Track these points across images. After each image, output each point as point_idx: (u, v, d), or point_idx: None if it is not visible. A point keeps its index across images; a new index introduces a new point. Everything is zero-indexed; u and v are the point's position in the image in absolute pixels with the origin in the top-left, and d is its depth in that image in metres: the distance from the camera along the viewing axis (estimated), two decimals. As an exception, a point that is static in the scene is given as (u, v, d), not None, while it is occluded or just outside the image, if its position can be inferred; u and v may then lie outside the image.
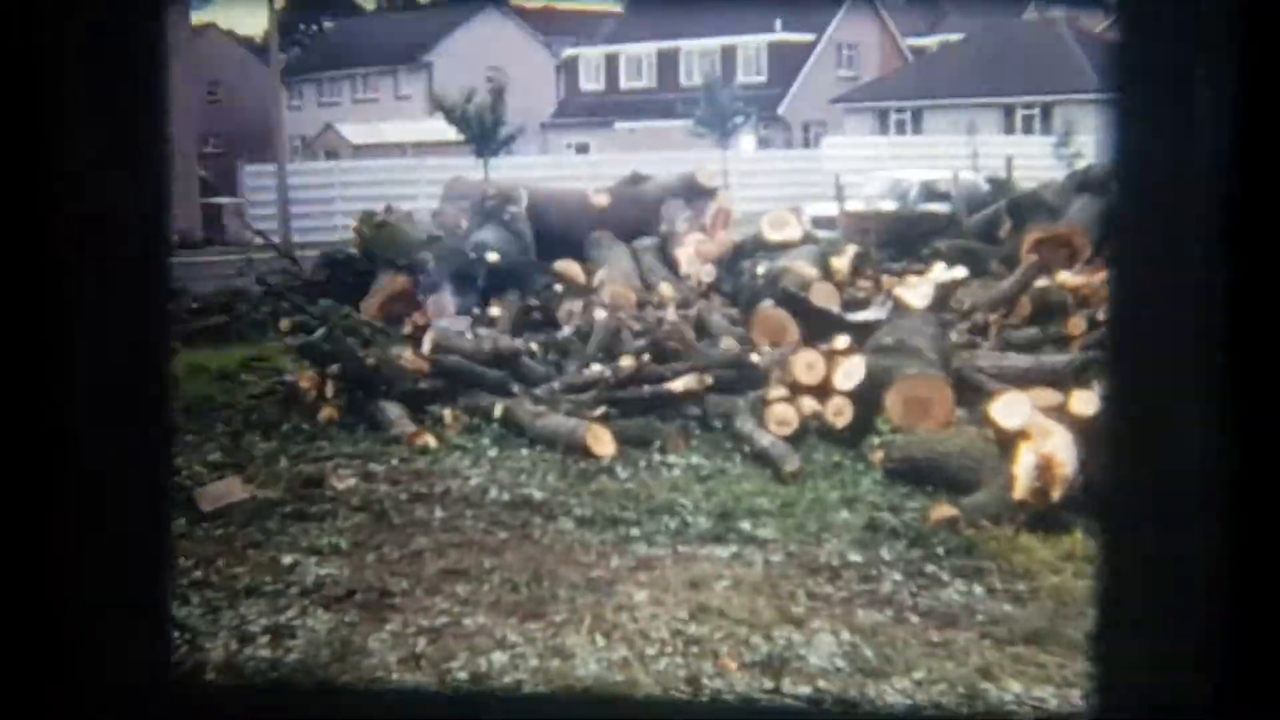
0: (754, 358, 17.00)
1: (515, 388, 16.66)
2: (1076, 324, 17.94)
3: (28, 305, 3.44)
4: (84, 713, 3.58)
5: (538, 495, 13.31)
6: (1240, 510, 3.07)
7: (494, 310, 19.86)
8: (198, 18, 62.61)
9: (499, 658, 9.37)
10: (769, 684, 8.89)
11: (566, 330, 18.79)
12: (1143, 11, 3.15)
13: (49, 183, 3.43)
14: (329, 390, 16.29)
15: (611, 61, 76.46)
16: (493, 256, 21.36)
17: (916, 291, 18.80)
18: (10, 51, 3.41)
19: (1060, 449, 12.14)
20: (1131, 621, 3.24)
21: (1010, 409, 13.06)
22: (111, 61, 3.48)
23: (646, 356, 16.78)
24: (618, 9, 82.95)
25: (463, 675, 9.09)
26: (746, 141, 59.34)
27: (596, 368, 16.94)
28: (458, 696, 6.10)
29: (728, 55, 71.92)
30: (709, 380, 16.12)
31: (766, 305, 18.94)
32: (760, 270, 20.34)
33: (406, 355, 17.12)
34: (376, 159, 53.89)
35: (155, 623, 3.75)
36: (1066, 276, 19.74)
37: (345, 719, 4.06)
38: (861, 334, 16.95)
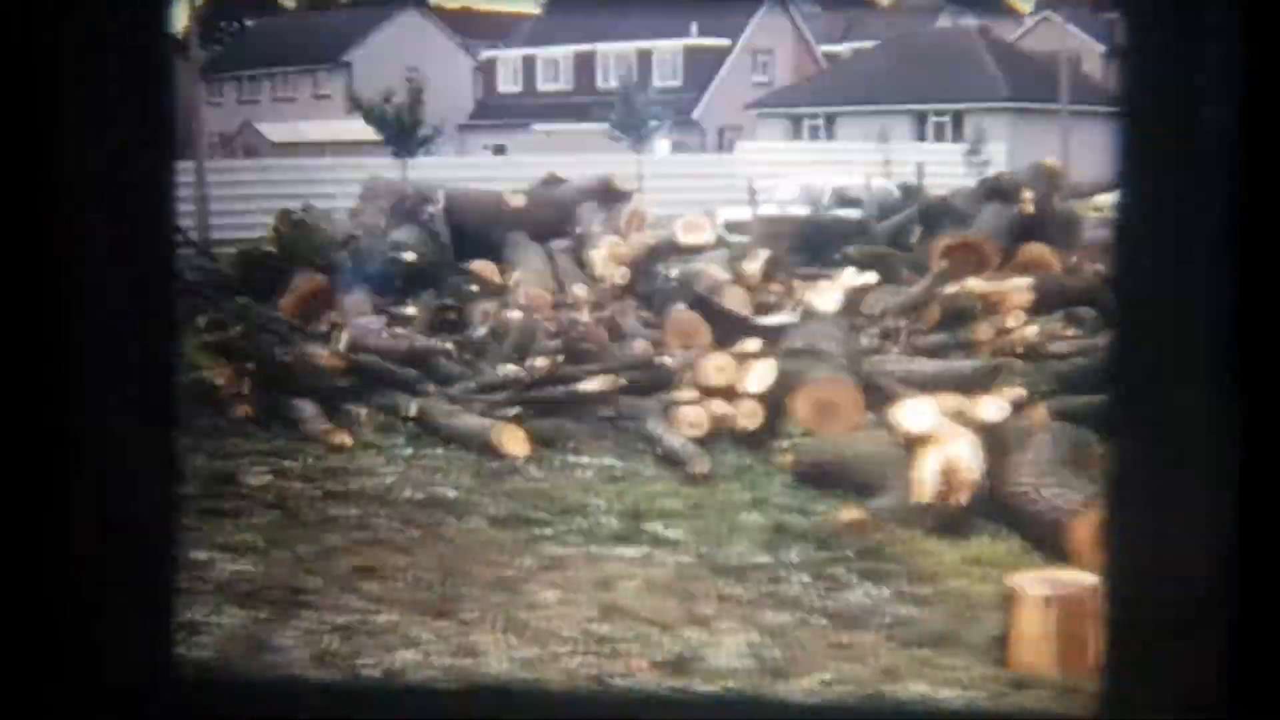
0: (666, 360, 17.02)
1: (430, 387, 16.58)
2: (984, 330, 18.05)
3: (36, 302, 3.41)
4: (86, 712, 3.55)
5: (450, 494, 13.27)
6: (1249, 511, 3.06)
7: (410, 310, 19.76)
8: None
9: (410, 655, 9.33)
10: (677, 683, 8.89)
11: (481, 330, 18.72)
12: (1146, 14, 3.13)
13: (55, 180, 3.40)
14: (244, 387, 16.17)
15: (529, 64, 76.34)
16: (409, 256, 21.28)
17: (826, 296, 18.88)
18: (13, 52, 3.38)
19: (965, 454, 12.20)
20: (1140, 623, 3.22)
21: (916, 414, 13.11)
22: (116, 57, 3.45)
23: (560, 357, 16.75)
24: (536, 11, 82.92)
25: (374, 673, 9.05)
26: (661, 145, 59.31)
27: (510, 368, 16.89)
28: (468, 694, 6.03)
29: (644, 59, 71.91)
30: (621, 382, 16.11)
31: (679, 308, 18.94)
32: (673, 273, 20.35)
33: (322, 353, 17.02)
34: (295, 158, 53.58)
35: (160, 621, 3.71)
36: (975, 283, 19.84)
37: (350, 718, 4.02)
38: (772, 338, 16.99)
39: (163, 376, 3.63)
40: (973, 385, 14.84)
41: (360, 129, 53.02)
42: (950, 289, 19.50)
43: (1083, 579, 9.48)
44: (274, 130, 64.97)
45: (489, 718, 3.93)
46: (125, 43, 3.45)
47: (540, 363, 16.60)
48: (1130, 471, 3.25)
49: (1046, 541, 11.46)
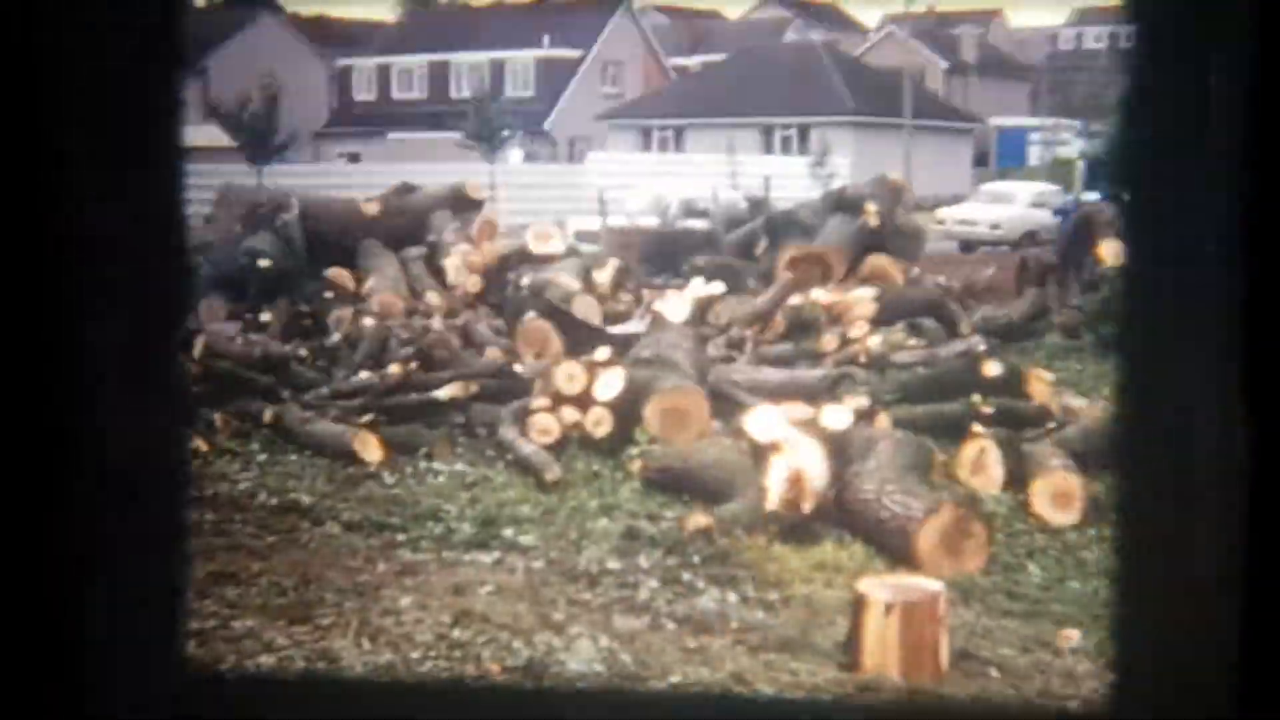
0: (517, 368, 17.03)
1: (285, 393, 16.46)
2: (829, 340, 18.21)
3: (45, 300, 3.35)
4: (93, 709, 3.50)
5: (306, 500, 13.17)
6: (1257, 511, 3.04)
7: (265, 316, 19.63)
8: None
9: (266, 660, 9.27)
10: (530, 687, 8.89)
11: (336, 337, 18.63)
12: (1154, 11, 3.12)
13: (58, 179, 3.35)
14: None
15: (384, 72, 76.09)
16: (264, 263, 21.15)
17: (675, 306, 18.94)
18: (16, 52, 3.32)
19: (811, 462, 12.29)
20: (1147, 622, 3.21)
21: (763, 422, 13.19)
22: (125, 57, 3.40)
23: (413, 364, 16.70)
24: (391, 20, 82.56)
25: (230, 678, 8.97)
26: (514, 155, 59.33)
27: (364, 375, 16.81)
28: (473, 692, 5.96)
29: (497, 69, 71.91)
30: (474, 389, 16.09)
31: (530, 316, 18.96)
32: (525, 282, 20.36)
33: (177, 359, 16.83)
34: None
35: (169, 619, 3.66)
36: (820, 294, 20.02)
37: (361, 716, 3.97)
38: (622, 346, 17.03)
39: (170, 375, 3.59)
40: (818, 394, 14.96)
41: (216, 135, 52.53)
42: (796, 299, 19.66)
43: (926, 584, 9.59)
44: (128, 135, 64.12)
45: (495, 717, 3.90)
46: (138, 38, 3.42)
47: (394, 369, 16.54)
48: (1137, 473, 3.24)
49: (891, 547, 11.57)
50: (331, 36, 78.13)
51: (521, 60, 72.06)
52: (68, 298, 3.32)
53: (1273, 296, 3.00)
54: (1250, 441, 3.02)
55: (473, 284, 21.29)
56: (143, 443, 3.44)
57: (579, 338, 18.08)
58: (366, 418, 15.42)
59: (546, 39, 71.16)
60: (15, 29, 3.30)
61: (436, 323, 18.98)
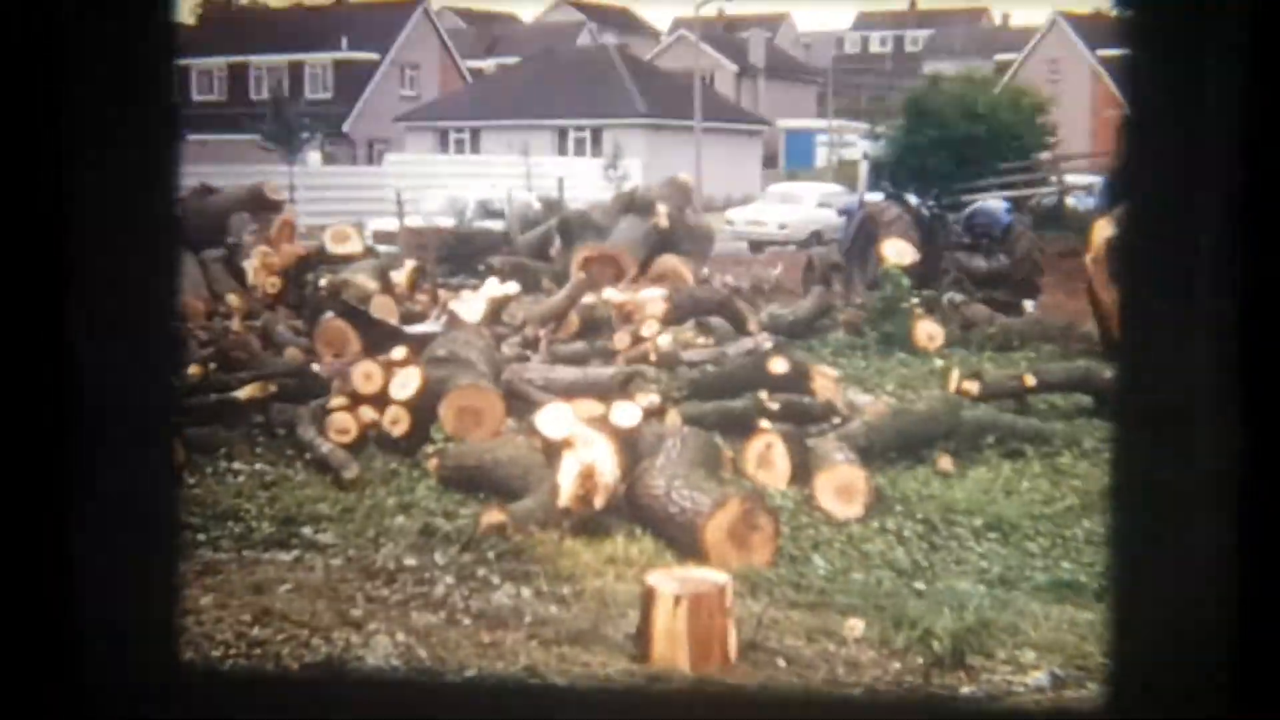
0: (316, 368, 16.90)
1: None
2: (621, 339, 18.28)
3: (42, 310, 3.26)
4: (92, 708, 3.41)
5: (104, 501, 12.95)
6: (1251, 512, 3.05)
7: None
8: None
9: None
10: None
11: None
12: (1151, 14, 3.09)
13: (56, 190, 3.26)
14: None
15: (183, 74, 74.95)
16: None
17: (470, 306, 18.94)
18: (19, 54, 3.23)
19: (601, 458, 12.33)
20: (1144, 621, 3.18)
21: (554, 419, 13.20)
22: (120, 65, 3.32)
23: (213, 365, 16.50)
24: (191, 22, 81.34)
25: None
26: (313, 157, 58.77)
27: (163, 376, 16.56)
28: (474, 691, 5.84)
29: (296, 71, 71.20)
30: (273, 389, 15.92)
31: (329, 317, 18.82)
32: (323, 283, 20.22)
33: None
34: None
35: (164, 617, 3.57)
36: (612, 294, 20.10)
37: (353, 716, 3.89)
38: (418, 346, 16.96)
39: (165, 376, 3.52)
40: (610, 392, 15.01)
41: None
42: (588, 299, 19.71)
43: (713, 577, 9.66)
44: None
45: (492, 715, 3.84)
46: (134, 45, 3.35)
47: (193, 370, 16.31)
48: (1133, 473, 3.22)
49: (679, 541, 11.64)
50: (129, 38, 76.79)
51: (320, 62, 71.40)
52: (63, 300, 3.27)
53: (1271, 296, 3.01)
54: (1247, 442, 3.04)
55: (271, 285, 21.09)
56: (136, 445, 3.39)
57: (377, 337, 17.98)
58: (165, 419, 15.18)
59: (345, 41, 70.57)
60: (15, 29, 3.24)
61: (236, 324, 18.77)
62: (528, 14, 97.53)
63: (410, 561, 11.38)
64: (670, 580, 9.47)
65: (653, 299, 19.63)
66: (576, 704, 4.57)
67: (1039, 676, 8.88)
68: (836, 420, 15.16)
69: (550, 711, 4.12)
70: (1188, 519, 3.12)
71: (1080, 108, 75.78)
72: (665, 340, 17.87)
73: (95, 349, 3.32)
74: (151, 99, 3.44)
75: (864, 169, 35.97)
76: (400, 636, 9.68)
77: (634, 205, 25.83)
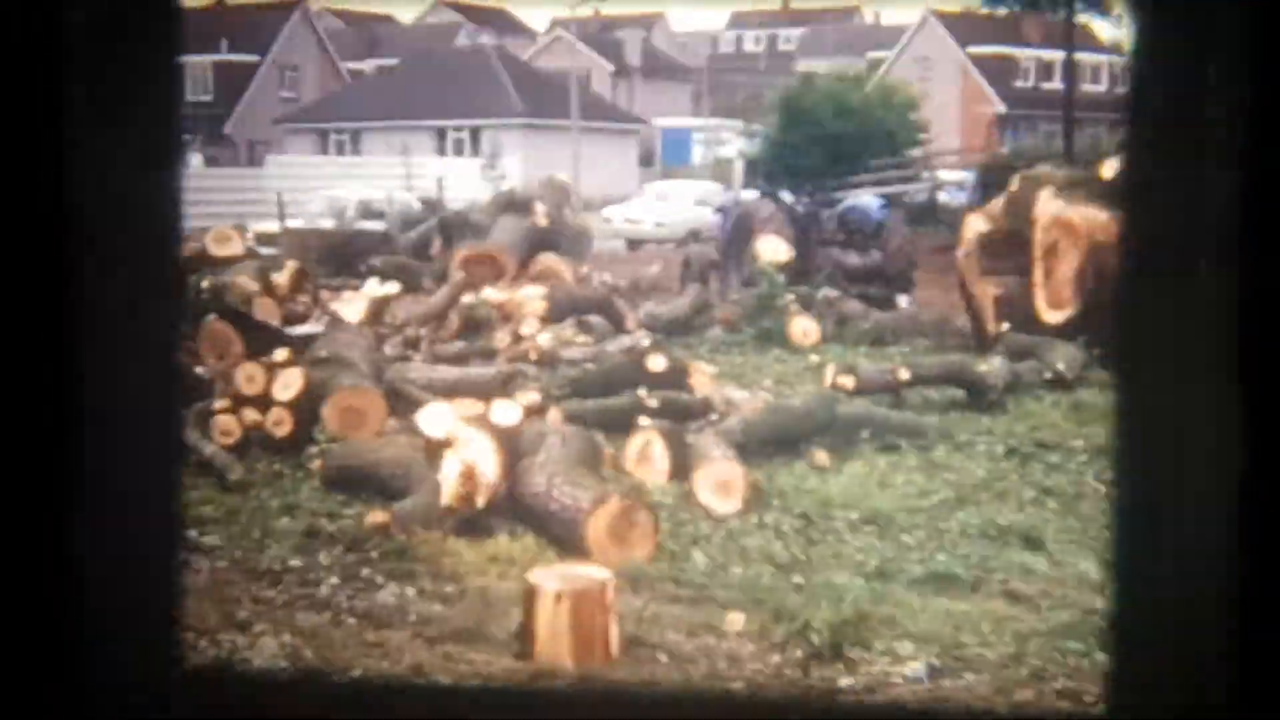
0: (199, 370, 16.74)
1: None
2: (501, 338, 18.26)
3: (42, 304, 3.18)
4: (93, 709, 3.33)
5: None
6: (1253, 512, 3.02)
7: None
8: None
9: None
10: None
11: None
12: (1154, 16, 3.05)
13: (59, 180, 3.18)
14: None
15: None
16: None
17: (352, 306, 18.83)
18: (22, 50, 3.14)
19: (482, 457, 12.30)
20: (1146, 623, 3.15)
21: (435, 419, 13.14)
22: (123, 55, 3.24)
23: (94, 369, 16.30)
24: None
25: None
26: (194, 159, 58.23)
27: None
28: (471, 694, 5.76)
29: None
30: (155, 392, 15.75)
31: (211, 319, 18.64)
32: (205, 285, 20.02)
33: None
34: None
35: (165, 619, 3.49)
36: (492, 293, 20.07)
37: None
38: (300, 347, 16.86)
39: (167, 375, 3.46)
40: (491, 391, 14.97)
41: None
42: (469, 298, 19.67)
43: (595, 573, 9.67)
44: None
45: (493, 717, 3.79)
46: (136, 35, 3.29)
47: (74, 374, 16.11)
48: (1134, 473, 3.21)
49: (561, 538, 11.64)
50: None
51: (200, 64, 70.74)
52: (67, 300, 3.21)
53: (1271, 296, 2.99)
54: (1247, 444, 3.02)
55: (152, 287, 20.86)
56: (138, 446, 3.33)
57: (259, 339, 17.83)
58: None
59: (225, 43, 69.99)
60: (15, 28, 3.18)
61: (116, 327, 18.57)
62: (406, 15, 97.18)
63: (295, 562, 11.31)
64: (552, 577, 9.47)
65: (532, 298, 19.63)
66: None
67: (916, 668, 8.95)
68: (714, 416, 15.20)
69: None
70: (1187, 519, 3.11)
71: (951, 105, 76.49)
72: (545, 339, 17.87)
73: (97, 348, 3.28)
74: (154, 97, 3.41)
75: (739, 167, 36.13)
76: (286, 637, 9.62)
77: (512, 204, 25.83)
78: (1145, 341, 3.17)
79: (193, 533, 12.10)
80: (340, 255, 26.09)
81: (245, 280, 19.99)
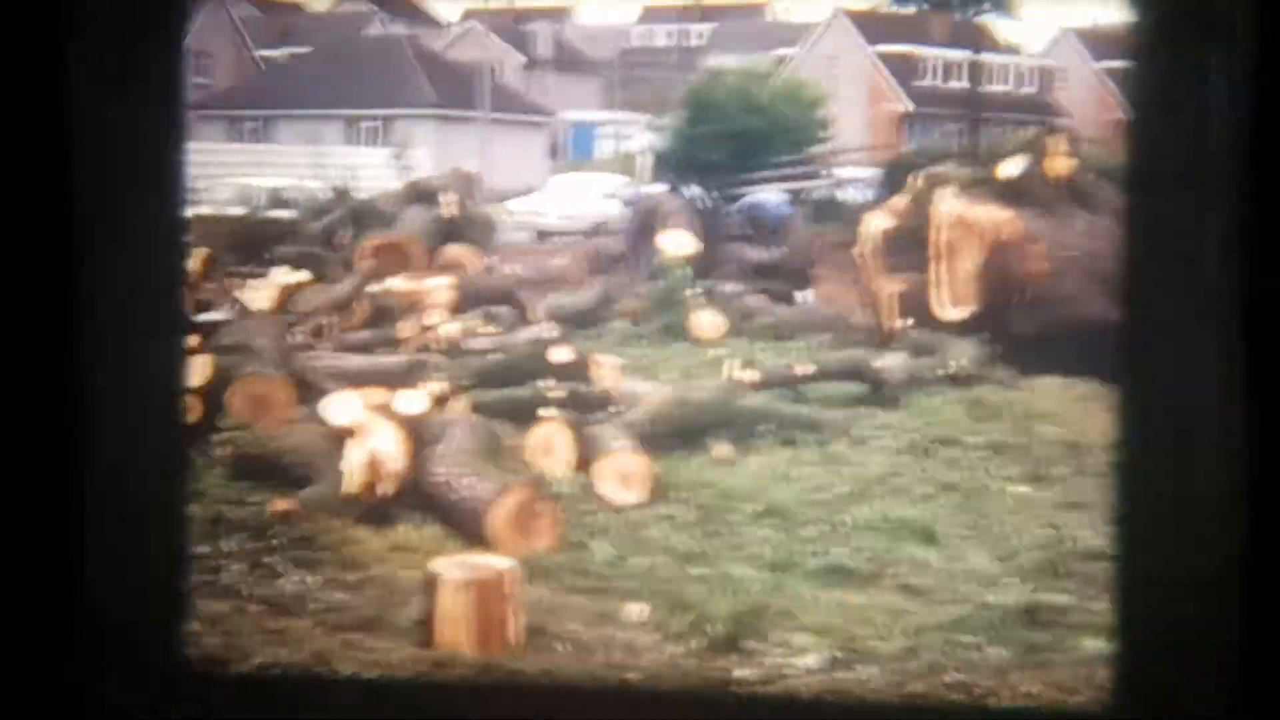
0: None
1: None
2: (408, 327, 18.20)
3: (49, 302, 3.13)
4: (103, 702, 3.27)
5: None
6: (1257, 509, 3.01)
7: None
8: None
9: None
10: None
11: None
12: (1155, 23, 3.02)
13: (67, 182, 3.13)
14: None
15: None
16: None
17: (260, 294, 18.72)
18: (31, 47, 3.09)
19: (387, 446, 12.27)
20: (1150, 621, 3.14)
21: (341, 407, 13.11)
22: (130, 54, 3.19)
23: None
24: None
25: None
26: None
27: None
28: (477, 691, 5.70)
29: (85, 58, 69.77)
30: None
31: (118, 305, 18.50)
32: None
33: None
34: None
35: (175, 614, 3.44)
36: (399, 282, 20.00)
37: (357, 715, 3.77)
38: (208, 334, 16.74)
39: (171, 370, 3.41)
40: (397, 380, 14.93)
41: None
42: (377, 287, 19.60)
43: (497, 562, 9.68)
44: None
45: (499, 715, 3.75)
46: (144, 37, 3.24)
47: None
48: (1139, 469, 3.19)
49: (464, 528, 11.64)
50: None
51: (110, 49, 70.04)
52: (72, 296, 3.17)
53: (1273, 294, 2.99)
54: (1250, 442, 3.02)
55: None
56: (143, 442, 3.29)
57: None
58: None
59: (134, 29, 69.34)
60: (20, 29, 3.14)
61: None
62: (320, 3, 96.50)
63: (201, 549, 11.22)
64: (454, 567, 9.48)
65: (439, 287, 19.58)
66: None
67: (811, 659, 9.01)
68: (617, 408, 15.21)
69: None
70: (1191, 521, 3.11)
71: (857, 102, 76.83)
72: (451, 329, 17.83)
73: (103, 348, 3.25)
74: (160, 96, 3.38)
75: (646, 161, 36.20)
76: (191, 625, 9.55)
77: (421, 195, 25.73)
78: (1147, 338, 3.18)
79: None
80: (249, 243, 25.89)
81: (153, 267, 19.81)
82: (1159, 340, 3.14)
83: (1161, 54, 3.07)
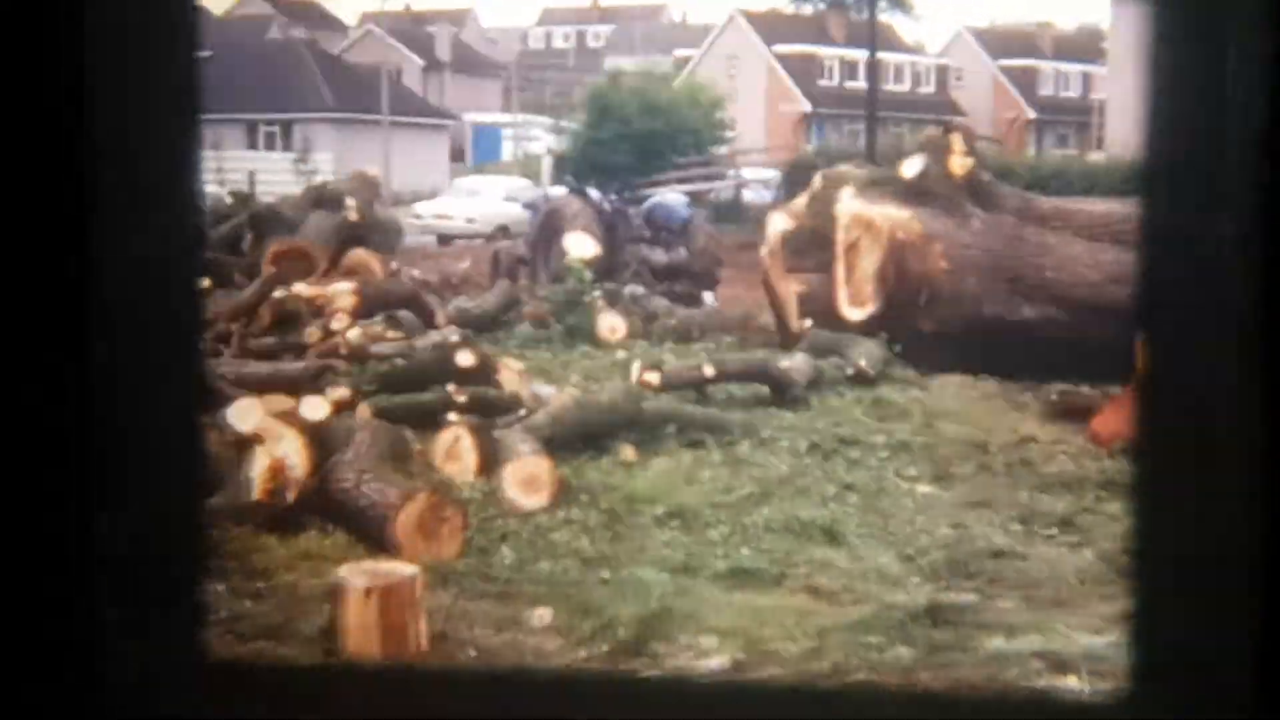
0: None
1: None
2: (312, 333, 18.09)
3: (60, 296, 3.06)
4: (113, 705, 3.19)
5: None
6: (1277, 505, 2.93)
7: None
8: None
9: None
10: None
11: None
12: (1173, 13, 2.97)
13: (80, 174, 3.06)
14: None
15: None
16: None
17: (162, 301, 18.52)
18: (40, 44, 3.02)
19: (292, 453, 12.20)
20: (1166, 614, 3.06)
21: (243, 414, 12.98)
22: (143, 54, 3.13)
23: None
24: None
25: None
26: None
27: None
28: (504, 680, 5.58)
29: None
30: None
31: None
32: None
33: None
34: None
35: (188, 608, 3.35)
36: (302, 288, 19.88)
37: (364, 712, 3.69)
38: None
39: (189, 364, 3.34)
40: (302, 386, 14.84)
41: None
42: (280, 293, 19.47)
43: (402, 569, 9.65)
44: None
45: (534, 715, 3.68)
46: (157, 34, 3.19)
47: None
48: (1156, 465, 3.11)
49: (370, 534, 11.57)
50: None
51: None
52: (83, 287, 3.11)
53: None
54: (1271, 437, 2.94)
55: None
56: (160, 434, 3.23)
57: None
58: None
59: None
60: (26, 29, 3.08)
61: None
62: (218, 7, 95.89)
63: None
64: (360, 573, 9.43)
65: (343, 293, 19.47)
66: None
67: (718, 661, 9.04)
68: (522, 412, 15.18)
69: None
70: (1210, 515, 3.04)
71: (758, 103, 77.19)
72: (355, 334, 17.74)
73: (118, 342, 3.20)
74: (174, 95, 3.35)
75: (548, 163, 36.22)
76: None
77: (323, 199, 25.63)
78: (1166, 334, 3.09)
79: None
80: (149, 249, 25.70)
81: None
82: (1177, 336, 3.09)
83: (1180, 48, 3.03)
